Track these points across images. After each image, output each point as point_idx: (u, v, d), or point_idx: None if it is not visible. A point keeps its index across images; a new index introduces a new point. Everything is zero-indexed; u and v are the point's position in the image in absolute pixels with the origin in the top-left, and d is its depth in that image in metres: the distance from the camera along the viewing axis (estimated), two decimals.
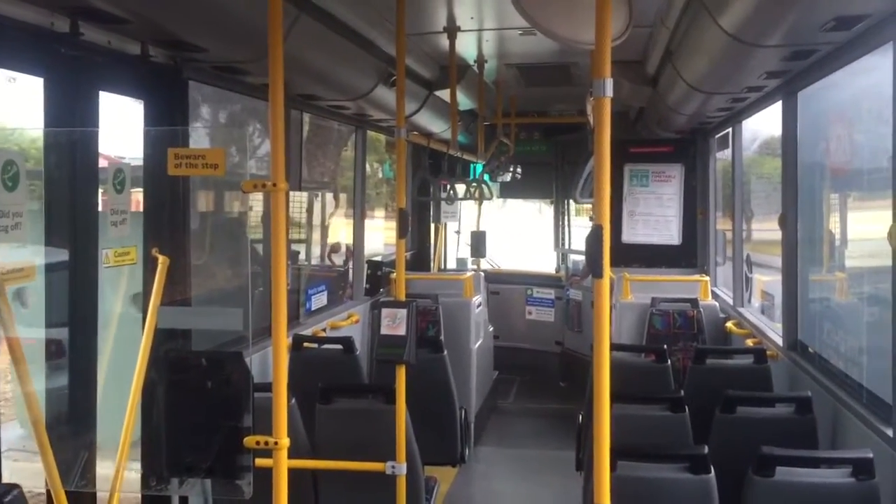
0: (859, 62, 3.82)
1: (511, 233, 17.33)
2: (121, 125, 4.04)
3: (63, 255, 3.39)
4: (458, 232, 10.97)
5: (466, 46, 6.29)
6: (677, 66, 5.08)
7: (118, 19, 3.28)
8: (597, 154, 2.30)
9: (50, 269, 3.40)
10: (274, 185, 2.52)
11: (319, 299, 6.36)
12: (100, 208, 3.53)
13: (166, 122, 3.96)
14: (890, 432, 3.30)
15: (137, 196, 3.92)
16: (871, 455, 3.10)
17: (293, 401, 4.14)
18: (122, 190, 3.54)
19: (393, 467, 3.97)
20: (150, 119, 3.95)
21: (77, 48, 3.31)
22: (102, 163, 3.59)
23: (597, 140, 2.30)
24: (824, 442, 3.97)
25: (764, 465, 3.11)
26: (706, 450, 3.23)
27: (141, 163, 3.80)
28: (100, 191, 3.52)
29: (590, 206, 8.58)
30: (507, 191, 11.59)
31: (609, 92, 2.28)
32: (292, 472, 2.71)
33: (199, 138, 4.94)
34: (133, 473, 3.17)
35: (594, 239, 2.27)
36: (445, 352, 5.91)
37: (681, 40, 4.83)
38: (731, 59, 4.26)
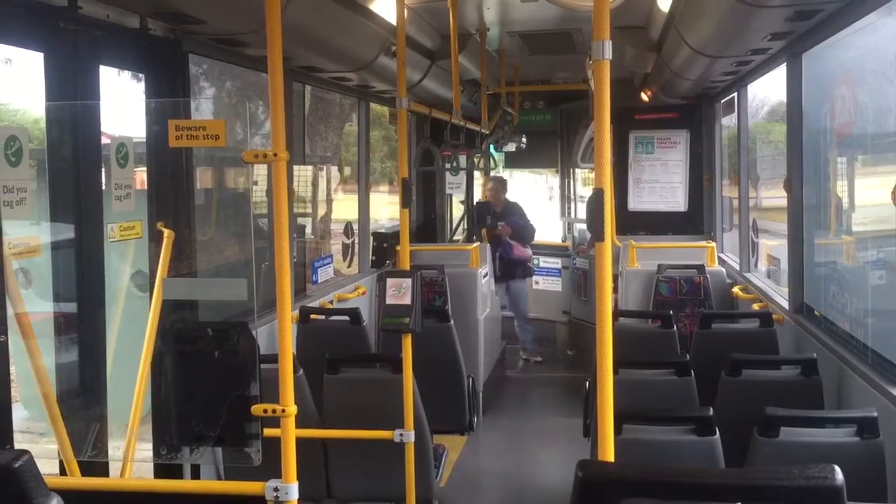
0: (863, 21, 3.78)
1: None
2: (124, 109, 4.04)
3: (68, 230, 3.41)
4: (462, 202, 10.93)
5: (468, 14, 6.23)
6: (681, 30, 5.03)
7: None
8: (596, 117, 2.29)
9: (56, 244, 3.42)
10: (275, 155, 2.51)
11: (326, 272, 6.38)
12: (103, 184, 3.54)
13: (167, 95, 3.96)
14: (895, 391, 3.31)
15: (142, 175, 3.93)
16: (875, 414, 3.11)
17: (301, 372, 4.17)
18: (125, 164, 3.55)
19: (401, 435, 4.00)
20: (152, 93, 3.95)
21: (76, 22, 3.30)
22: (105, 140, 3.59)
23: (596, 103, 2.28)
24: (830, 403, 3.98)
25: (768, 426, 3.11)
26: (711, 412, 3.24)
27: (143, 140, 3.81)
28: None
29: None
30: (513, 161, 11.55)
31: (608, 54, 2.26)
32: (302, 442, 2.73)
33: (206, 113, 4.94)
34: (144, 443, 3.22)
35: (595, 202, 2.26)
36: (452, 321, 5.94)
37: (684, 4, 4.78)
38: (735, 22, 4.22)
